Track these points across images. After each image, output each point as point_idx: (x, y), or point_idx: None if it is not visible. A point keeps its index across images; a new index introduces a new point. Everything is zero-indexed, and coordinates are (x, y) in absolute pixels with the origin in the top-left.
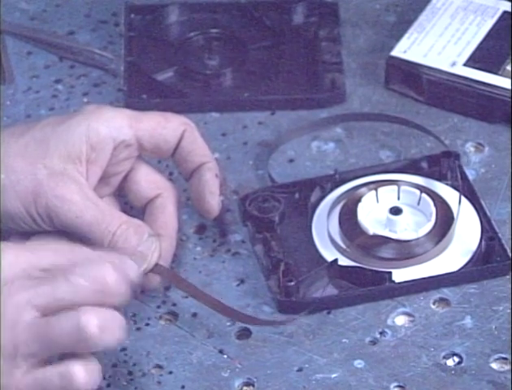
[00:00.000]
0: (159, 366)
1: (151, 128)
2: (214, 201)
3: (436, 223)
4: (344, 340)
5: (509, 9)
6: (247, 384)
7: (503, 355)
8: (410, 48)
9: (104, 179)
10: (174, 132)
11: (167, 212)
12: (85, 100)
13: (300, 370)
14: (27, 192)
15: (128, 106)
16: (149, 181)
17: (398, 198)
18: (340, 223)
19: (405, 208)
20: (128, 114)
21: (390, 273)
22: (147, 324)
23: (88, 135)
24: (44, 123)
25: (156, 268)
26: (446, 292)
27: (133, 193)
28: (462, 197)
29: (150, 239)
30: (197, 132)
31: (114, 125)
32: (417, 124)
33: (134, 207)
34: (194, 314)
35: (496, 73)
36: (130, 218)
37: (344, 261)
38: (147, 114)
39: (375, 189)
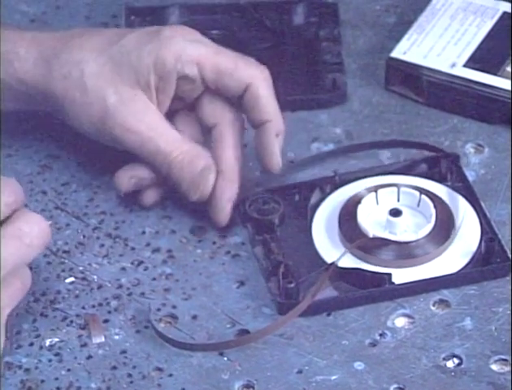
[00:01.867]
0: (159, 369)
1: (216, 73)
2: (273, 162)
3: (435, 224)
4: (344, 342)
5: (508, 10)
6: (247, 386)
7: (503, 356)
8: (410, 49)
9: (173, 108)
10: (237, 84)
11: (224, 144)
12: None
13: (300, 372)
14: (96, 118)
15: None
16: (210, 109)
17: (398, 200)
18: (339, 224)
19: (404, 210)
20: (200, 51)
21: (390, 275)
22: (147, 327)
23: (156, 65)
24: (123, 42)
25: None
26: (446, 293)
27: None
28: (462, 198)
29: (205, 171)
30: (263, 88)
31: (181, 59)
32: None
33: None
34: (194, 317)
35: (495, 74)
36: (193, 147)
37: (344, 263)
38: (221, 53)
39: (375, 191)
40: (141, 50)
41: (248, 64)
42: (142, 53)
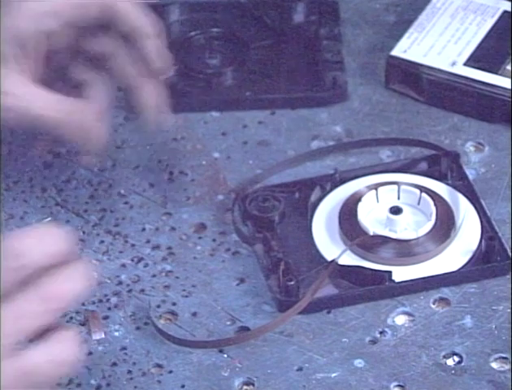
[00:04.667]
0: (159, 366)
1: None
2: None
3: (436, 222)
4: (344, 340)
5: (509, 8)
6: (247, 384)
7: (503, 355)
8: (410, 48)
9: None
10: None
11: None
12: None
13: (300, 369)
14: None
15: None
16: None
17: (398, 198)
18: (340, 222)
19: (405, 208)
20: (53, 2)
21: (390, 272)
22: (146, 323)
23: (13, 33)
24: None
25: None
26: (446, 291)
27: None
28: (463, 197)
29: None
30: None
31: (34, 17)
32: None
33: None
34: (194, 314)
35: (496, 73)
36: (69, 103)
37: (344, 260)
38: None
39: (376, 189)
40: (3, 23)
41: None
42: (2, 25)
